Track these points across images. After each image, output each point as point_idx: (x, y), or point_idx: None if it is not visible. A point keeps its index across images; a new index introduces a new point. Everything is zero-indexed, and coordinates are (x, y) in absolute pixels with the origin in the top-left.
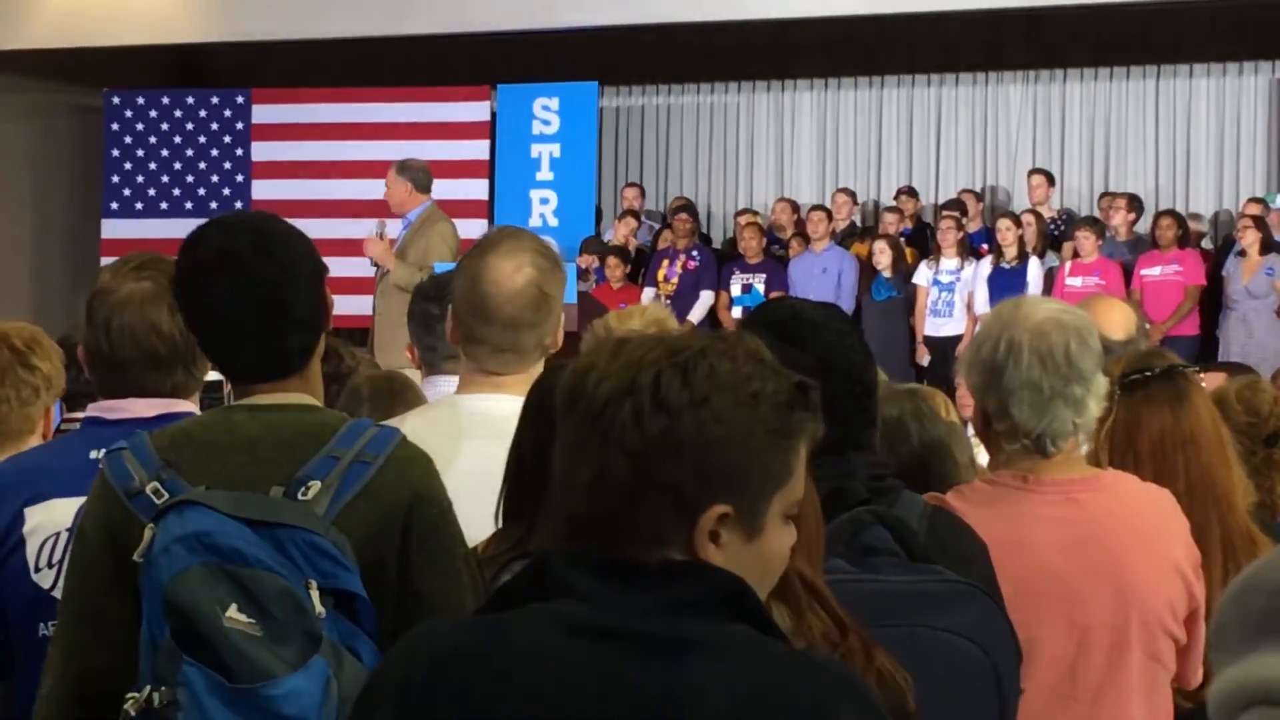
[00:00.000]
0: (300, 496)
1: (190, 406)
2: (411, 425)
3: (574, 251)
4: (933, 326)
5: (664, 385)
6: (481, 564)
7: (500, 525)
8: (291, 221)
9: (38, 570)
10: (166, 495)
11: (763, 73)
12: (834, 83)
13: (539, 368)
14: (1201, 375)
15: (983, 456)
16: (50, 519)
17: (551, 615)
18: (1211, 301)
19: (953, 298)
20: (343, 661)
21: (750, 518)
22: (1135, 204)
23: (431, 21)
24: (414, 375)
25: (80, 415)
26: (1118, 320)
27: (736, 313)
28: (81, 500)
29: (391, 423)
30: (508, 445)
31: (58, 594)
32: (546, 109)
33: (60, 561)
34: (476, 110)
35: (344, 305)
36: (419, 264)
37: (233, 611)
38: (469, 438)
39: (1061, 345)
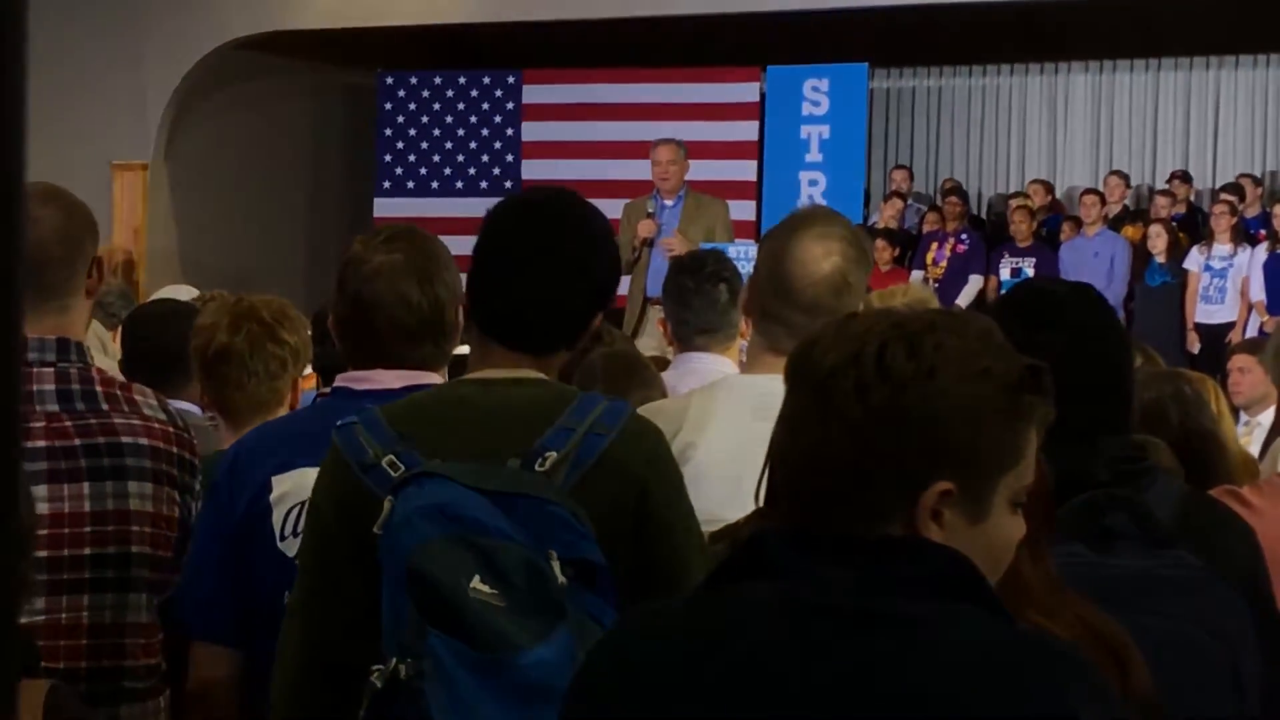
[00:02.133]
0: (538, 468)
1: (437, 379)
2: (699, 402)
3: None
4: (1204, 313)
5: (889, 356)
6: (735, 541)
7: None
8: None
9: (283, 539)
10: (403, 468)
11: (1036, 55)
12: (1109, 65)
13: None
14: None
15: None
16: (297, 487)
17: (769, 594)
18: None
19: (1225, 284)
20: (586, 632)
21: (975, 498)
22: None
23: (702, 2)
24: (668, 351)
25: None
26: None
27: None
28: None
29: (674, 400)
30: None
31: None
32: (816, 90)
33: None
34: (746, 91)
35: (621, 285)
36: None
37: (476, 582)
38: (753, 417)
39: None
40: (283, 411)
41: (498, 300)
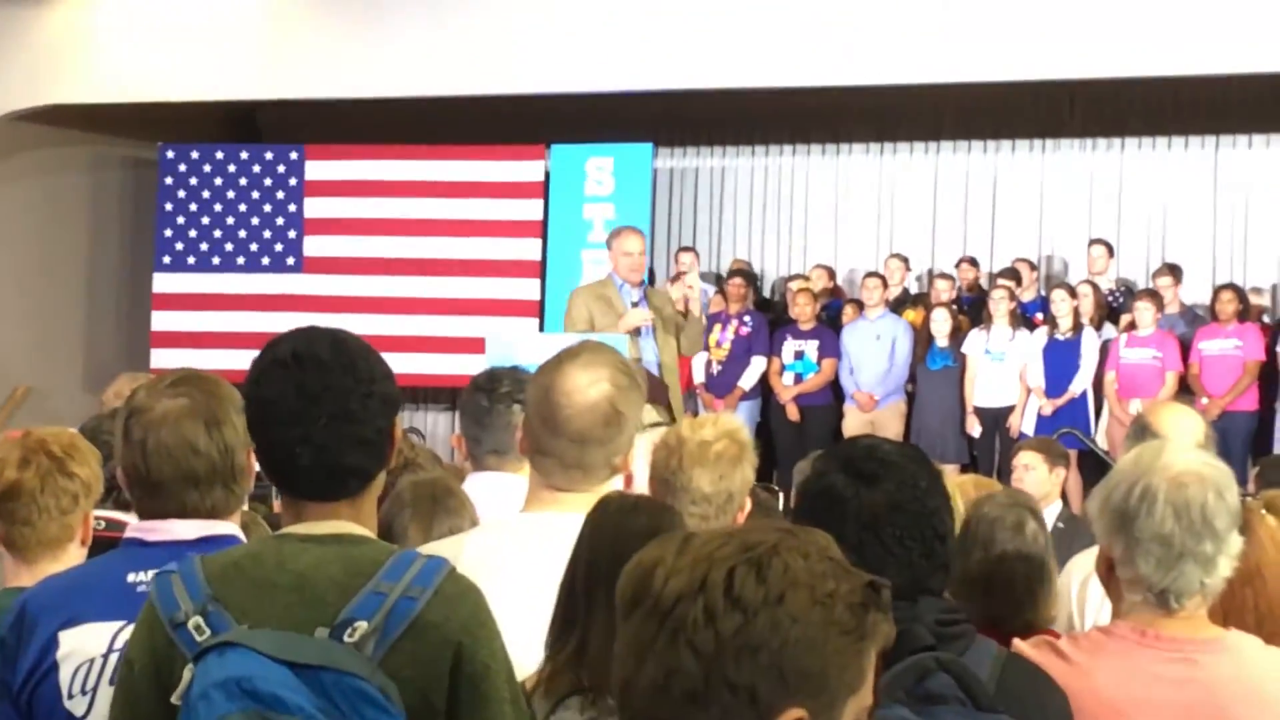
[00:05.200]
0: (346, 639)
1: (232, 527)
2: (474, 544)
3: None
4: (984, 397)
5: (738, 583)
6: (531, 696)
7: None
8: (343, 278)
9: (70, 698)
10: (209, 632)
11: (819, 136)
12: (890, 147)
13: (607, 487)
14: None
15: None
16: (84, 644)
17: None
18: (1269, 376)
19: (1004, 367)
20: None
21: None
22: (1177, 274)
23: (485, 83)
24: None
25: (108, 515)
26: (1185, 430)
27: (788, 379)
28: (117, 625)
29: (450, 543)
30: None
31: None
32: (600, 169)
33: (94, 689)
34: (530, 169)
35: (401, 364)
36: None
37: None
38: (529, 557)
39: (1199, 500)
40: (74, 547)
41: (288, 462)
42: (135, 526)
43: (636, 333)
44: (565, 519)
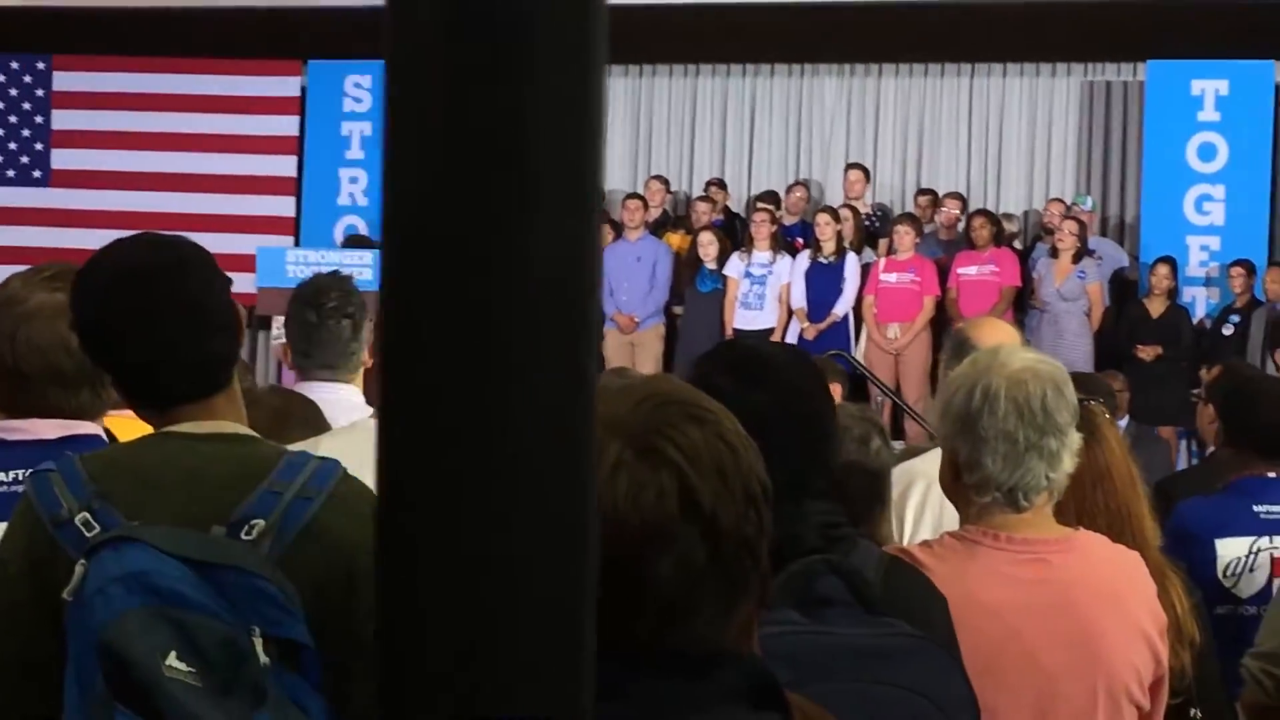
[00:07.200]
0: (244, 536)
1: (95, 428)
2: (328, 447)
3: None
4: (744, 319)
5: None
6: None
7: None
8: (93, 193)
9: None
10: (98, 528)
11: None
12: (648, 69)
13: None
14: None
15: None
16: None
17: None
18: (1018, 301)
19: (764, 290)
20: (289, 717)
21: None
22: (962, 200)
23: None
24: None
25: None
26: (1004, 340)
27: None
28: None
29: (306, 445)
30: None
31: None
32: (359, 86)
33: None
34: (287, 85)
35: None
36: None
37: (172, 659)
38: None
39: (1039, 395)
40: None
41: (148, 374)
42: None
43: None
44: None
